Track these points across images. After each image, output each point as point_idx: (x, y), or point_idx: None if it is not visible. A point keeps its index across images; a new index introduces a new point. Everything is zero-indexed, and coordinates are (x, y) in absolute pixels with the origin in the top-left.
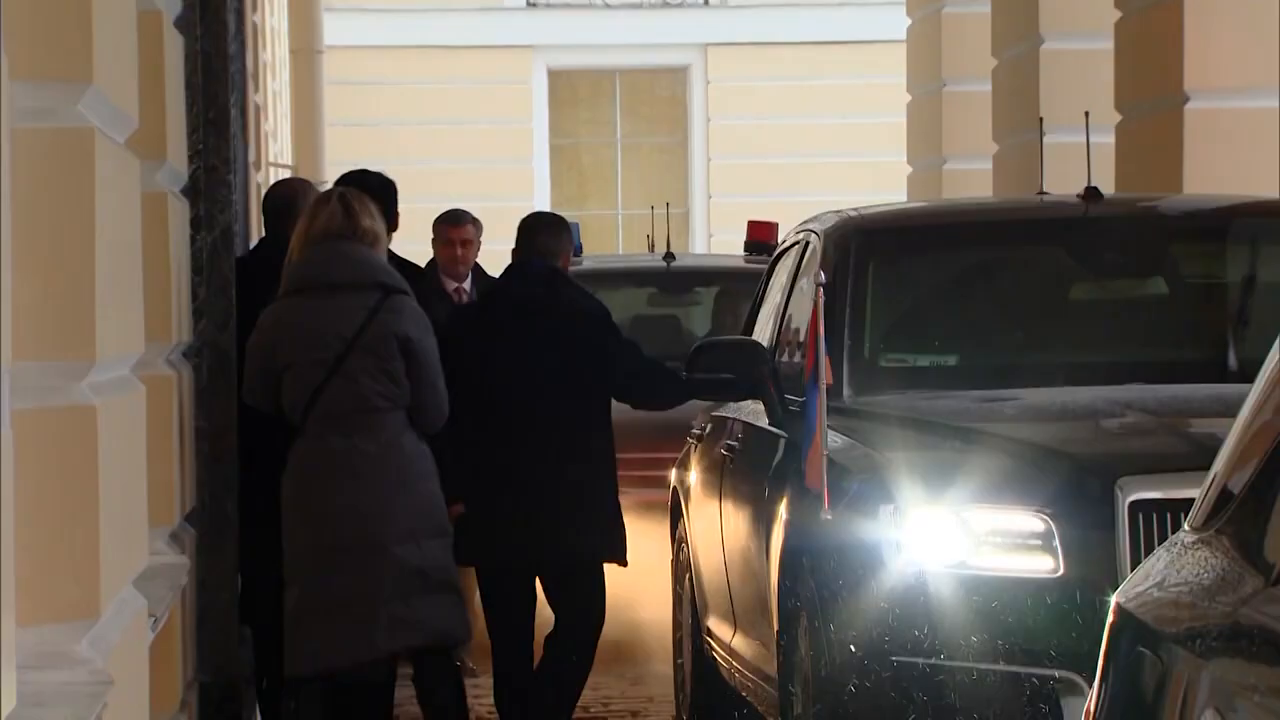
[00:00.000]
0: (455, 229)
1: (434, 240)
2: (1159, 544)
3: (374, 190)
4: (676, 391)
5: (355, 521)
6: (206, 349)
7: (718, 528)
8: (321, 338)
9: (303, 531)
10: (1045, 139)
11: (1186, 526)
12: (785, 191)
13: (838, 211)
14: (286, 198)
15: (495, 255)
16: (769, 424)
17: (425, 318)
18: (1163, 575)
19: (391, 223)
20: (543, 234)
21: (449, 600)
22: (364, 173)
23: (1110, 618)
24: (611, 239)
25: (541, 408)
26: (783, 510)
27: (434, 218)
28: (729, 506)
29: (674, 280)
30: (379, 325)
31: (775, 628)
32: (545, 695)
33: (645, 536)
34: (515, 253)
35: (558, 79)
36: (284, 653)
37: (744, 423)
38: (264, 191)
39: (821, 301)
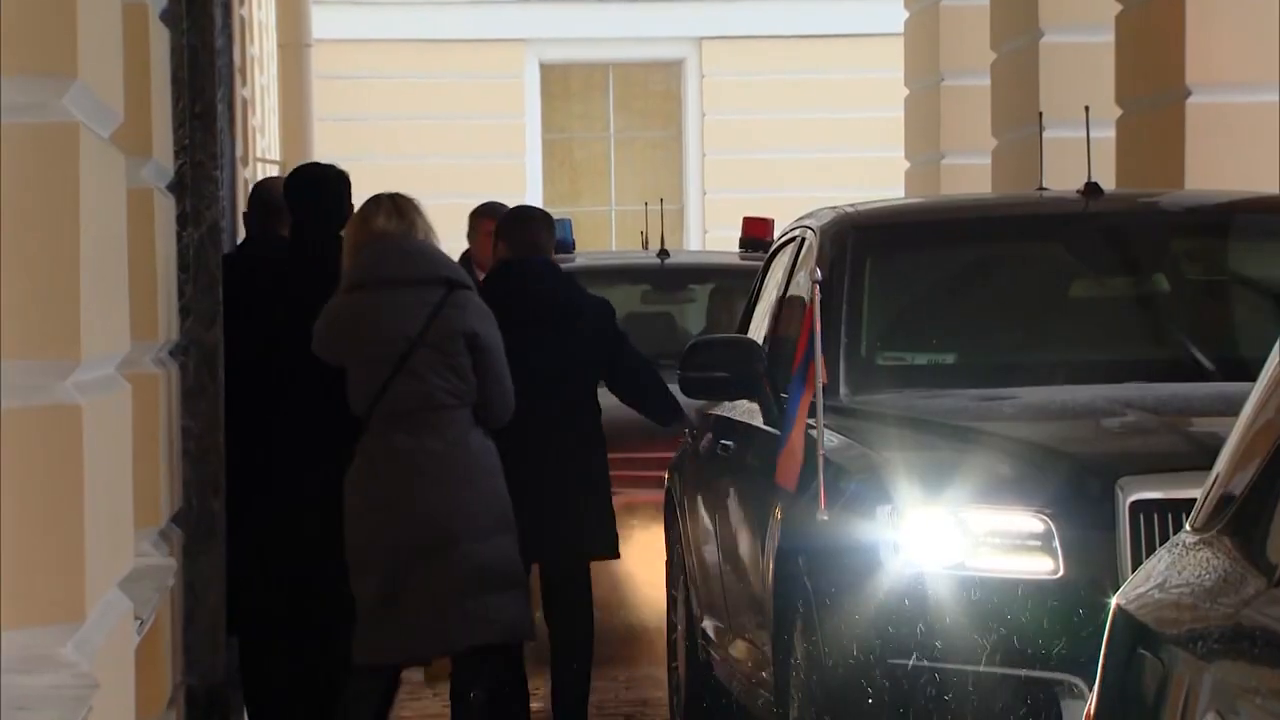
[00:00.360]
0: (495, 222)
1: (470, 232)
2: (1160, 545)
3: (329, 182)
4: (665, 410)
5: (424, 519)
6: (193, 347)
7: (713, 529)
8: (386, 334)
9: (371, 528)
10: (1045, 134)
11: (1188, 527)
12: (781, 187)
13: (834, 207)
14: (278, 194)
15: None
16: (764, 423)
17: (490, 312)
18: (1164, 576)
19: (345, 217)
20: (536, 230)
21: (519, 596)
22: (316, 164)
23: (1110, 619)
24: (605, 235)
25: (544, 404)
26: (779, 511)
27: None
28: (725, 507)
29: (668, 277)
30: (444, 321)
31: (771, 630)
32: (562, 710)
33: (640, 538)
34: (504, 247)
35: (550, 73)
36: (352, 642)
37: (740, 422)
38: (251, 187)
39: (817, 299)
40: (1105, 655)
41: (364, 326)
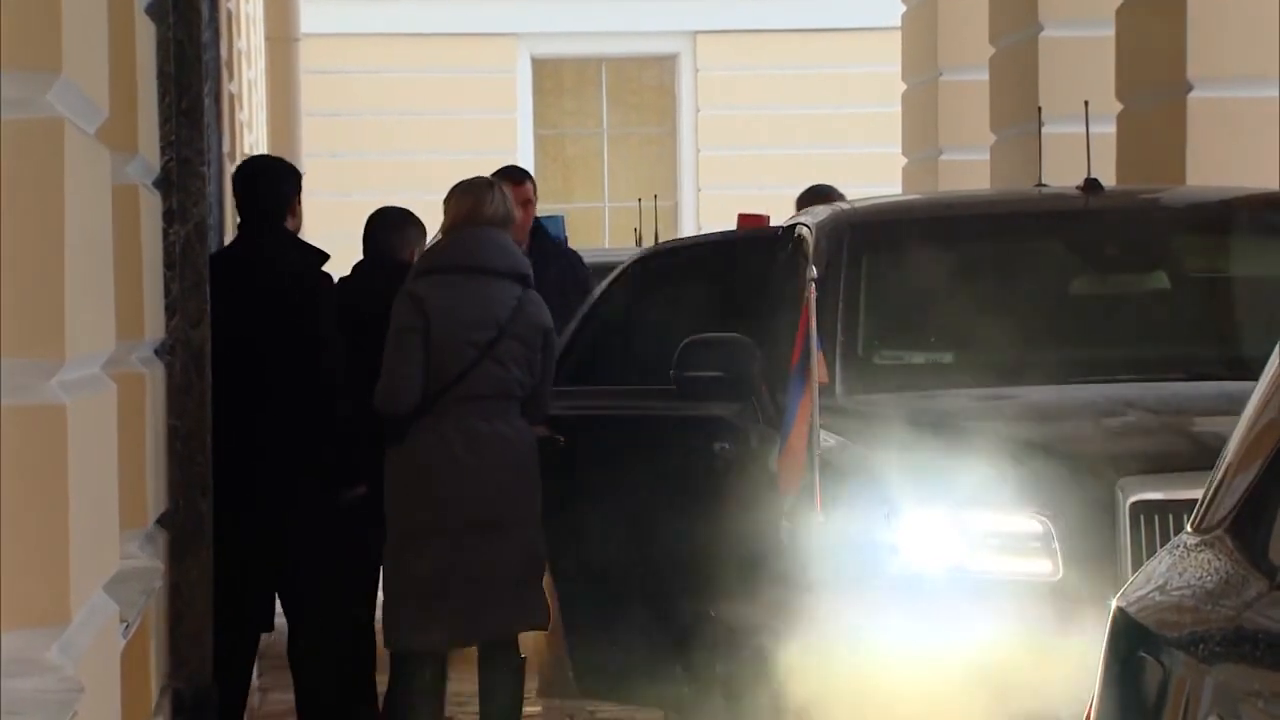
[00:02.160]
0: (518, 187)
1: None
2: (1161, 546)
3: (281, 175)
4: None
5: (488, 503)
6: (179, 346)
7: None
8: (480, 320)
9: (429, 508)
10: (1044, 129)
11: (1189, 528)
12: (776, 183)
13: (830, 204)
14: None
15: None
16: (760, 423)
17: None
18: (1164, 578)
19: (295, 209)
20: (385, 234)
21: (542, 585)
22: (266, 156)
23: (1110, 622)
24: (598, 232)
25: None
26: (775, 513)
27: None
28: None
29: None
30: (527, 315)
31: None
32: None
33: None
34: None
35: (542, 68)
36: (387, 627)
37: (736, 422)
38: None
39: (813, 297)
40: (1105, 658)
41: (462, 308)
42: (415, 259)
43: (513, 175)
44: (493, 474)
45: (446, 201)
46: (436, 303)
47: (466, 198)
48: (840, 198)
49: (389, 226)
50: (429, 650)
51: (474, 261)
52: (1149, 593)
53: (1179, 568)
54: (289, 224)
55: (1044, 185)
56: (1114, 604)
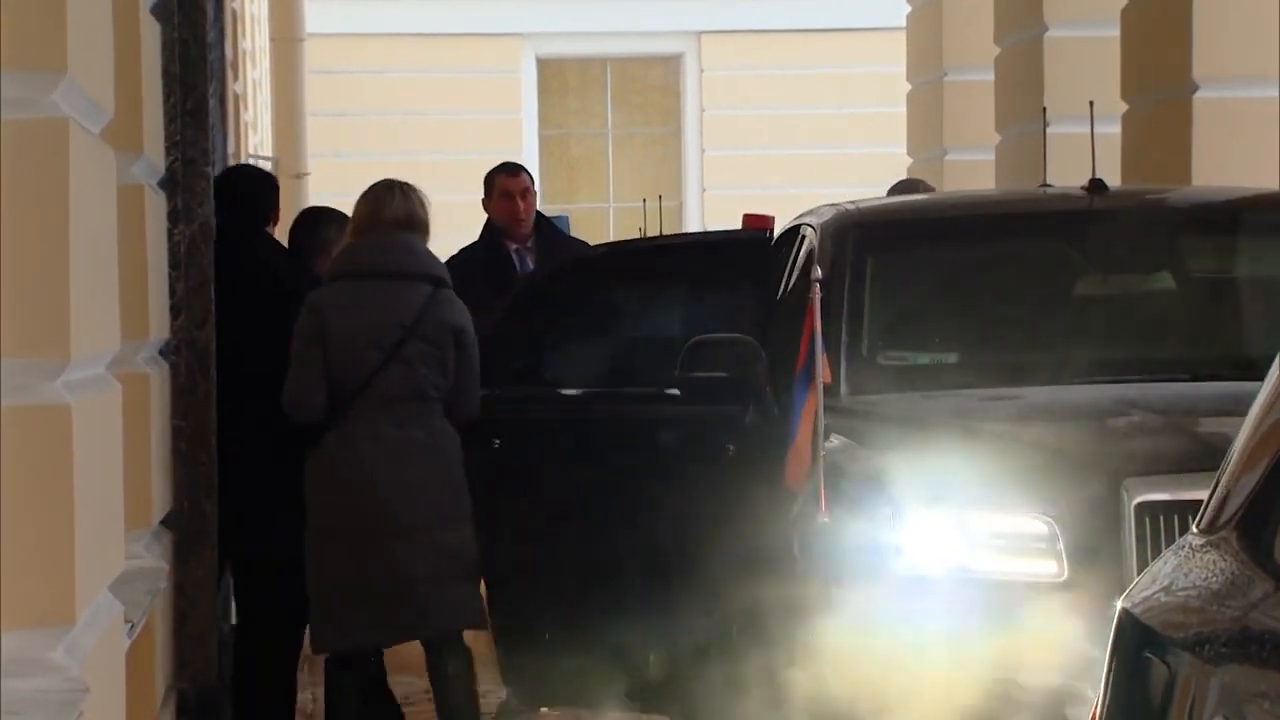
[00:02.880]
0: (512, 178)
1: (486, 199)
2: (1166, 547)
3: (253, 181)
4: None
5: (402, 504)
6: (184, 346)
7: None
8: (381, 323)
9: (342, 511)
10: (1049, 129)
11: (1194, 529)
12: (781, 183)
13: (835, 204)
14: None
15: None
16: (764, 423)
17: (468, 312)
18: (1170, 579)
19: (273, 215)
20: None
21: (477, 584)
22: (238, 166)
23: (1116, 623)
24: (602, 233)
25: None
26: (778, 513)
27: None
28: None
29: None
30: (435, 315)
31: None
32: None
33: None
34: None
35: (547, 68)
36: (312, 630)
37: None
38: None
39: (818, 298)
40: (1111, 659)
41: (361, 312)
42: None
43: (507, 168)
44: (403, 476)
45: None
46: (333, 309)
47: (367, 203)
48: (930, 189)
49: (304, 226)
50: (351, 652)
51: (374, 265)
52: (1154, 593)
53: (1184, 568)
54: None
55: (1049, 185)
56: (1119, 605)
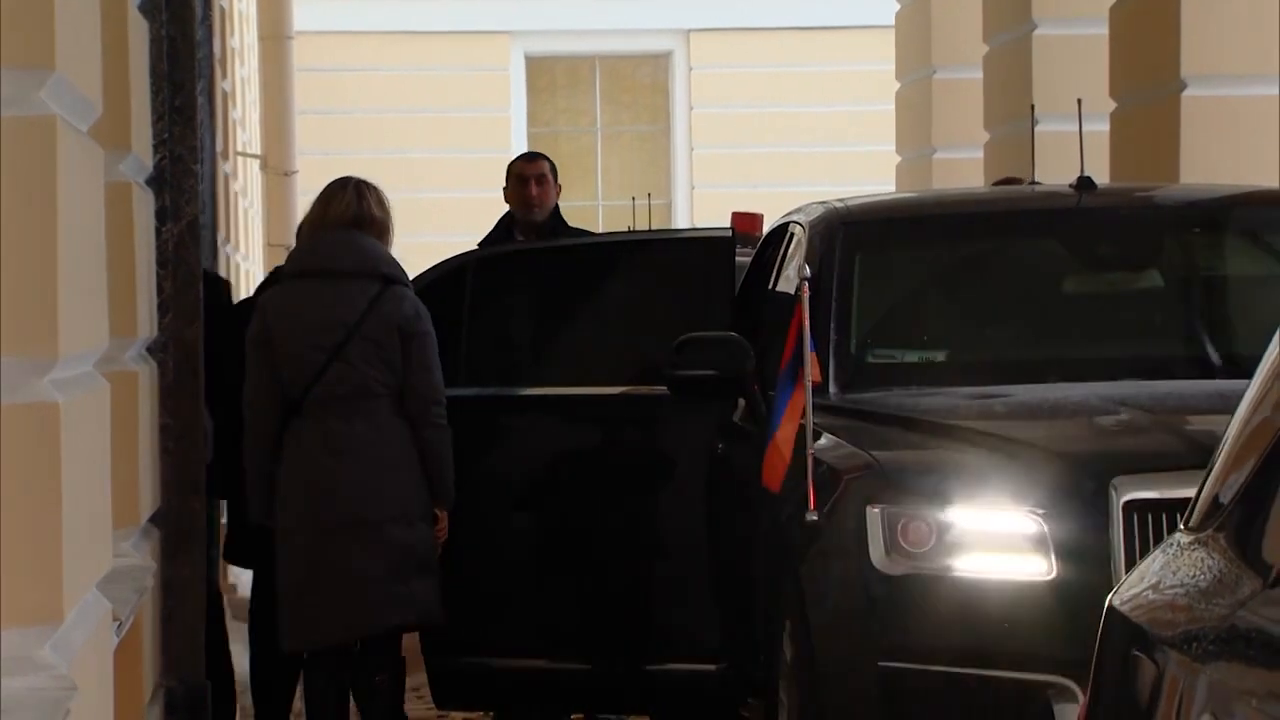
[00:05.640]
0: (527, 164)
1: (506, 188)
2: (1154, 545)
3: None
4: None
5: (351, 501)
6: (172, 344)
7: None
8: (325, 323)
9: (298, 510)
10: (1038, 127)
11: (1182, 527)
12: (770, 182)
13: (823, 202)
14: None
15: (463, 248)
16: (752, 422)
17: (424, 308)
18: (1158, 577)
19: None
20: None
21: (435, 581)
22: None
23: (1104, 621)
24: (592, 230)
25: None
26: (767, 512)
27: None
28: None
29: None
30: (380, 314)
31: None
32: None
33: None
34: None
35: (535, 65)
36: (280, 629)
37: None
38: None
39: (806, 296)
40: (1099, 657)
41: (306, 315)
42: None
43: (526, 155)
44: (351, 474)
45: None
46: (276, 310)
47: (317, 202)
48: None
49: None
50: (315, 649)
51: (318, 264)
52: (1143, 591)
53: (1172, 566)
54: None
55: (1037, 183)
56: (1108, 602)
